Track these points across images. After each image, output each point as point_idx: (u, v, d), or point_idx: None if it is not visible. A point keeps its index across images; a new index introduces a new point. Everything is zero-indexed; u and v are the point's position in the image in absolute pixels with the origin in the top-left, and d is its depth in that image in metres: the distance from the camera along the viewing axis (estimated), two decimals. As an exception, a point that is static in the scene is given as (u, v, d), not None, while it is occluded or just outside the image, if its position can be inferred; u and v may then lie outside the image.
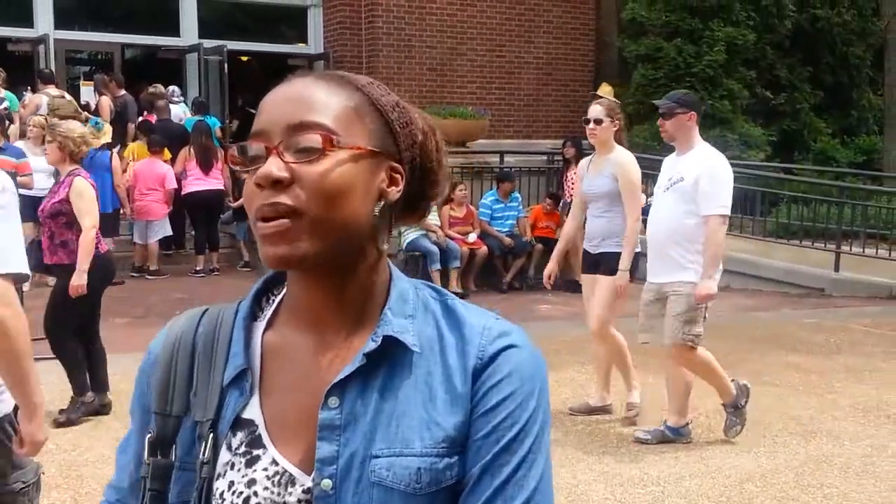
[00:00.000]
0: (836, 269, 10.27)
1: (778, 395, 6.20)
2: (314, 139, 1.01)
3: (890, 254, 10.81)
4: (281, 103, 1.05)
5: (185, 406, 1.11)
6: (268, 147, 1.02)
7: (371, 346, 1.06)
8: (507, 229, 10.77)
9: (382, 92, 1.10)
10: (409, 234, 10.32)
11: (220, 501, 1.06)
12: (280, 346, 1.12)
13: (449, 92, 14.67)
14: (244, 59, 15.86)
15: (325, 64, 14.71)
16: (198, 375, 1.12)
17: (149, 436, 1.12)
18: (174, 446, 1.11)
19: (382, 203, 1.07)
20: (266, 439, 1.07)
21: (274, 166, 1.00)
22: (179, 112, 12.26)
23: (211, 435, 1.08)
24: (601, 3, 16.31)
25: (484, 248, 10.48)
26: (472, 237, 10.48)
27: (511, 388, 1.05)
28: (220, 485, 1.06)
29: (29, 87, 11.99)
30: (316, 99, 1.04)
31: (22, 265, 2.38)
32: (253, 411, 1.08)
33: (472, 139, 13.01)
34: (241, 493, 1.05)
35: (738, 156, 13.67)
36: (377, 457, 1.03)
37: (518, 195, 11.12)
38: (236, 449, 1.07)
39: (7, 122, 9.50)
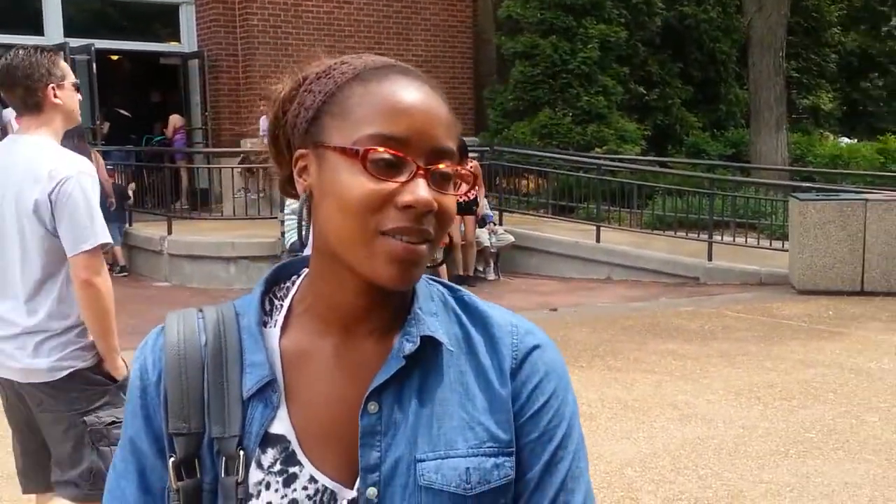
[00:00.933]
0: (710, 258, 10.62)
1: (656, 381, 6.36)
2: (450, 170, 0.99)
3: (759, 242, 11.26)
4: (422, 114, 0.98)
5: (201, 422, 1.03)
6: (419, 167, 0.97)
7: (409, 347, 1.03)
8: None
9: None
10: (293, 235, 10.15)
11: None
12: (301, 353, 1.06)
13: (328, 90, 14.52)
14: (114, 58, 15.34)
15: (200, 62, 14.36)
16: (209, 389, 1.03)
17: (172, 459, 1.02)
18: (197, 464, 1.03)
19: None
20: (301, 455, 1.02)
21: (426, 192, 0.96)
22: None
23: (242, 453, 1.01)
24: (478, 1, 16.45)
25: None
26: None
27: (552, 386, 1.07)
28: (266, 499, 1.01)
29: None
30: (447, 120, 1.01)
31: (107, 236, 2.87)
32: (282, 425, 1.03)
33: (352, 138, 12.90)
34: None
35: (613, 150, 14.04)
36: (422, 460, 1.01)
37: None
38: (269, 467, 1.01)
39: None
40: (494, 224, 11.51)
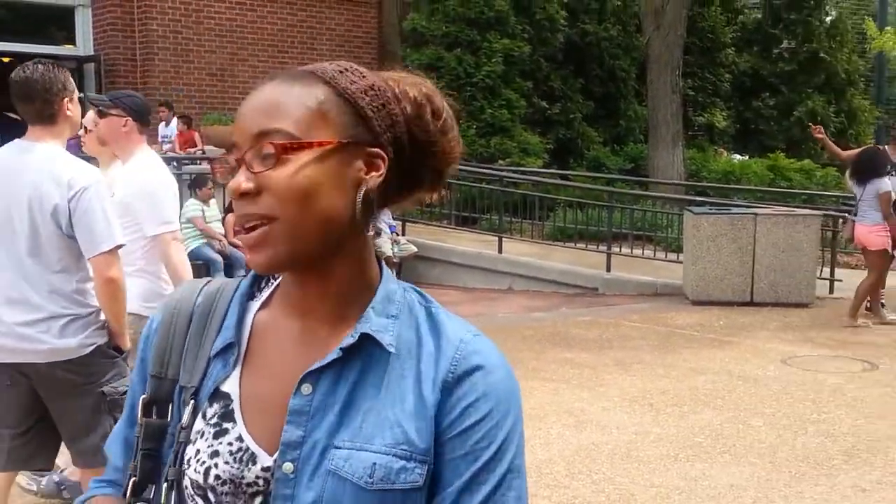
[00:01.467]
0: (608, 269, 10.84)
1: (553, 389, 6.45)
2: (270, 148, 1.03)
3: (655, 254, 11.55)
4: (248, 113, 1.06)
5: (177, 371, 1.16)
6: (237, 159, 1.05)
7: (348, 341, 1.08)
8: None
9: (354, 78, 1.09)
10: (191, 243, 9.97)
11: (186, 467, 1.10)
12: (269, 327, 1.15)
13: (231, 98, 14.34)
14: (5, 59, 14.82)
15: (96, 66, 14.01)
16: (189, 342, 1.16)
17: (143, 396, 1.17)
18: (170, 408, 1.15)
19: (363, 190, 1.07)
20: (237, 414, 1.10)
21: (241, 178, 1.04)
22: None
23: (192, 401, 1.12)
24: (383, 13, 16.49)
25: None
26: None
27: (487, 407, 1.07)
28: (189, 451, 1.10)
29: None
30: (278, 103, 1.05)
31: (122, 237, 3.29)
32: (231, 385, 1.12)
33: (254, 146, 12.77)
34: (204, 462, 1.09)
35: (516, 163, 14.22)
36: (339, 448, 1.06)
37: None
38: (210, 419, 1.11)
39: None
40: (397, 234, 11.51)
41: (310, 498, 1.05)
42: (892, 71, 24.04)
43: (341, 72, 1.09)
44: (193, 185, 10.27)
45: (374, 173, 1.08)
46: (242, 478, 1.07)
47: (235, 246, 10.02)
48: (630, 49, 17.48)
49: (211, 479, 1.08)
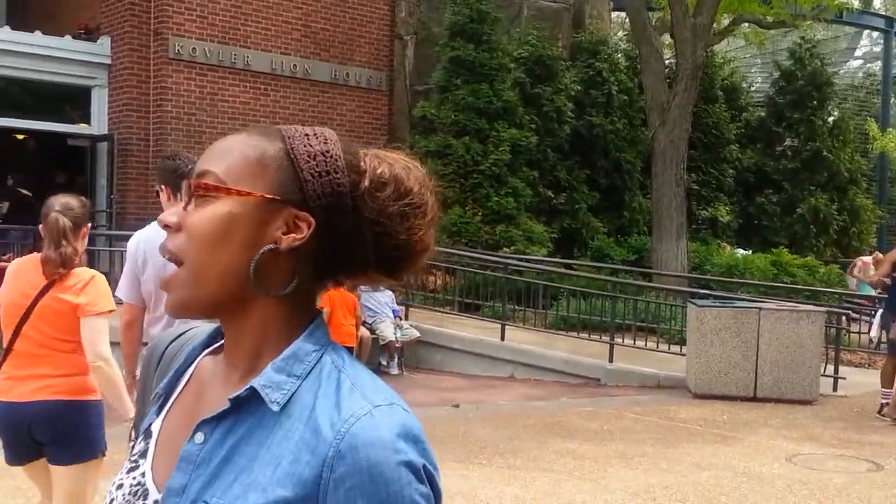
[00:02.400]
0: (611, 359, 10.80)
1: (554, 480, 6.37)
2: (195, 185, 1.06)
3: (658, 346, 11.51)
4: (205, 153, 1.10)
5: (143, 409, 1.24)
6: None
7: (238, 392, 1.06)
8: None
9: (312, 143, 1.09)
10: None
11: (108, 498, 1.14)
12: (204, 371, 1.16)
13: (240, 179, 14.51)
14: (20, 136, 15.07)
15: (109, 145, 14.21)
16: (153, 385, 1.21)
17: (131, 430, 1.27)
18: None
19: (266, 249, 1.05)
20: (150, 453, 1.13)
21: (172, 212, 1.07)
22: None
23: (134, 437, 1.20)
24: (393, 101, 16.79)
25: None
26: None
27: (365, 497, 0.99)
28: (116, 480, 1.14)
29: None
30: (225, 149, 1.08)
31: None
32: (156, 424, 1.15)
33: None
34: (112, 493, 1.12)
35: (521, 251, 14.29)
36: (207, 503, 1.03)
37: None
38: (132, 455, 1.15)
39: None
40: (400, 318, 11.52)
41: None
42: (894, 172, 24.29)
43: (306, 135, 1.09)
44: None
45: (292, 235, 1.06)
46: None
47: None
48: (636, 142, 17.72)
49: None
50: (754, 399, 9.62)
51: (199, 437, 1.06)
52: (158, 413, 1.16)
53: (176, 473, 1.06)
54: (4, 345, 3.69)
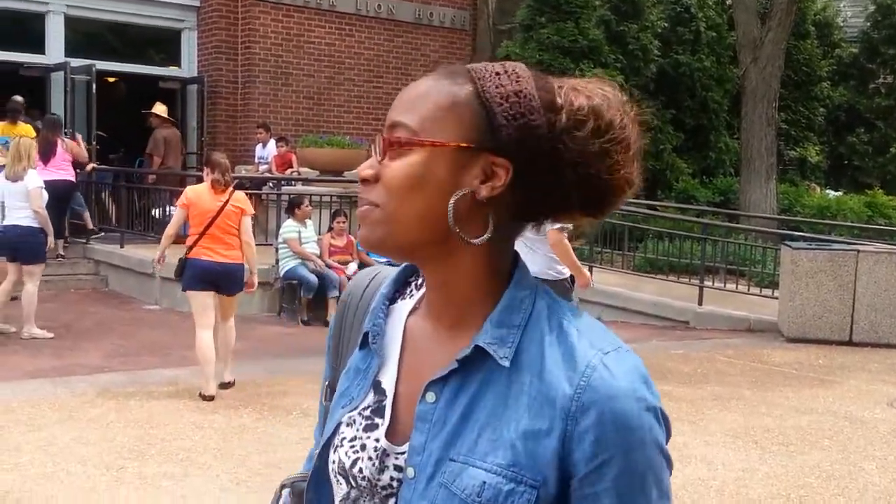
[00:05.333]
0: (700, 302, 10.70)
1: (653, 422, 6.39)
2: (389, 139, 1.05)
3: (748, 289, 11.36)
4: (396, 102, 1.08)
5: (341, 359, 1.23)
6: (375, 144, 1.08)
7: (462, 352, 1.06)
8: (385, 259, 10.73)
9: (503, 81, 1.05)
10: (287, 263, 10.18)
11: (339, 447, 1.13)
12: (414, 330, 1.15)
13: (325, 121, 14.63)
14: (111, 80, 15.38)
15: (199, 88, 14.43)
16: (353, 334, 1.21)
17: (325, 381, 1.25)
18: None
19: (462, 194, 1.03)
20: (387, 413, 1.12)
21: (366, 165, 1.07)
22: None
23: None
24: (477, 41, 16.65)
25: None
26: (352, 267, 10.40)
27: (612, 448, 0.99)
28: (346, 433, 1.13)
29: None
30: (417, 97, 1.06)
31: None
32: (388, 382, 1.13)
33: (349, 169, 12.97)
34: (356, 451, 1.11)
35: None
36: (453, 460, 1.03)
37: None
38: (363, 409, 1.13)
39: None
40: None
41: None
42: None
43: (497, 73, 1.05)
44: (291, 207, 10.48)
45: (489, 184, 1.03)
46: (378, 480, 1.08)
47: (330, 266, 10.19)
48: (723, 80, 17.30)
49: (355, 470, 1.10)
50: (850, 343, 9.46)
51: (431, 396, 1.06)
52: (368, 356, 1.15)
53: (415, 433, 1.06)
54: (198, 232, 6.49)
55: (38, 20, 13.76)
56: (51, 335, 8.41)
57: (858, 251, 9.73)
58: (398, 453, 1.08)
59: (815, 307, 9.59)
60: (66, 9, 13.77)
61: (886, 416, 6.75)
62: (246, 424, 5.90)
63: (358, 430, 1.11)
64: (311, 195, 10.90)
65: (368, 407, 1.12)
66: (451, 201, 1.02)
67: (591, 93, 1.06)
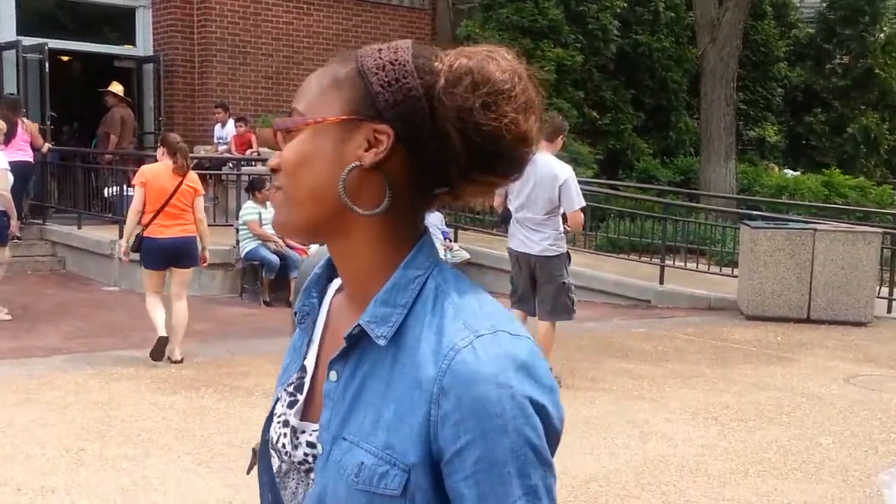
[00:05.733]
0: (661, 281, 10.79)
1: (614, 399, 6.45)
2: (282, 123, 1.10)
3: (709, 268, 11.47)
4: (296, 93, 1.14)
5: None
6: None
7: (350, 330, 1.07)
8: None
9: (381, 55, 1.07)
10: (248, 244, 10.09)
11: (271, 422, 1.17)
12: (335, 307, 1.18)
13: (285, 101, 14.46)
14: (65, 58, 15.08)
15: (155, 66, 14.20)
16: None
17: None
18: None
19: (352, 167, 1.05)
20: (305, 390, 1.15)
21: (274, 156, 1.11)
22: None
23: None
24: (437, 20, 16.57)
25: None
26: (314, 248, 10.32)
27: (470, 433, 0.97)
28: (277, 409, 1.17)
29: None
30: (304, 85, 1.12)
31: (582, 201, 6.66)
32: (310, 359, 1.16)
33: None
34: (281, 427, 1.14)
35: (568, 172, 14.19)
36: (345, 440, 1.05)
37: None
38: (288, 386, 1.17)
39: None
40: (450, 240, 11.56)
41: (321, 484, 1.06)
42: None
43: (378, 49, 1.08)
44: (251, 188, 10.38)
45: (374, 150, 1.04)
46: (294, 455, 1.11)
47: (291, 247, 10.12)
48: (682, 61, 17.40)
49: (280, 445, 1.13)
50: (808, 321, 9.59)
51: (333, 375, 1.08)
52: (303, 334, 1.18)
53: (323, 411, 1.08)
54: (154, 210, 6.73)
55: (-12, -3, 13.44)
56: (8, 317, 8.26)
57: (815, 230, 9.86)
58: (313, 430, 1.10)
59: (773, 285, 9.71)
60: (17, -14, 13.46)
61: (843, 392, 6.86)
62: (207, 405, 5.84)
63: (283, 406, 1.15)
64: (267, 176, 10.80)
65: (292, 384, 1.15)
66: (344, 173, 1.05)
67: (474, 53, 1.07)
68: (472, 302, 1.05)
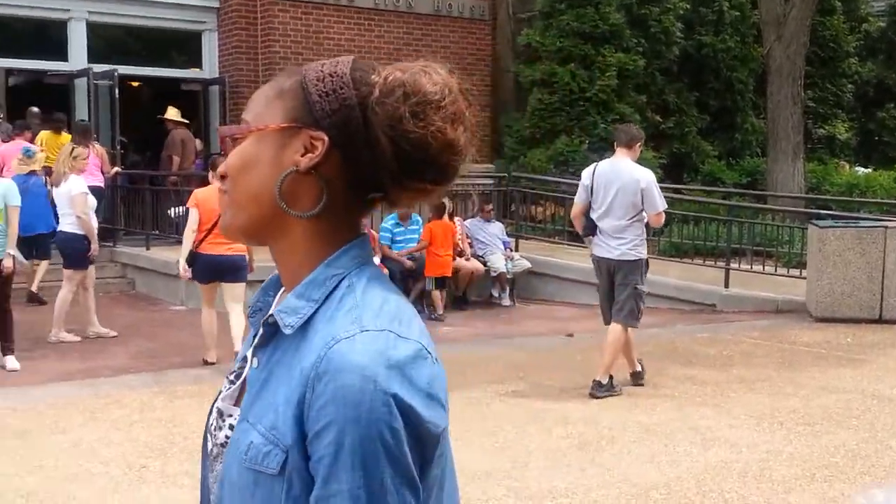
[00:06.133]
0: (726, 285, 10.60)
1: (676, 405, 6.35)
2: (227, 131, 1.18)
3: (776, 270, 11.23)
4: None
5: None
6: None
7: (267, 317, 1.14)
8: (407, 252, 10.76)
9: (322, 68, 1.15)
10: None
11: (212, 410, 1.22)
12: (278, 303, 1.22)
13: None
14: (135, 84, 15.51)
15: (221, 88, 14.51)
16: None
17: None
18: None
19: (288, 171, 1.11)
20: (242, 377, 1.19)
21: (223, 162, 1.18)
22: None
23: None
24: (497, 30, 16.60)
25: (385, 272, 10.37)
26: (374, 261, 10.40)
27: (328, 417, 1.01)
28: (218, 397, 1.22)
29: None
30: (253, 97, 1.19)
31: (664, 203, 6.89)
32: (251, 351, 1.20)
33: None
34: (214, 413, 1.20)
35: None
36: (246, 421, 1.11)
37: (419, 218, 11.14)
38: (229, 374, 1.22)
39: None
40: (511, 250, 11.55)
41: (225, 464, 1.12)
42: None
43: (322, 64, 1.15)
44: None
45: (309, 155, 1.11)
46: (217, 437, 1.17)
47: (389, 257, 10.31)
48: (747, 60, 17.11)
49: (212, 429, 1.19)
50: (880, 321, 9.33)
51: (255, 362, 1.15)
52: (252, 328, 1.23)
53: (245, 396, 1.14)
54: (205, 229, 7.05)
55: (60, 27, 13.89)
56: (77, 339, 8.51)
57: (887, 227, 9.58)
58: (237, 415, 1.15)
59: (843, 286, 9.46)
60: (87, 15, 13.89)
61: (916, 393, 6.65)
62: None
63: (223, 392, 1.20)
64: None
65: (233, 373, 1.21)
66: (281, 177, 1.11)
67: (408, 68, 1.13)
68: (373, 301, 1.09)
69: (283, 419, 1.05)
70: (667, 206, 6.92)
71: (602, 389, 6.55)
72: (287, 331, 1.09)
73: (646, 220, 6.74)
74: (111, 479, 4.77)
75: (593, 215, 6.81)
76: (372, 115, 1.11)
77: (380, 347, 1.03)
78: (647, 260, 6.94)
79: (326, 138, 1.11)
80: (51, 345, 8.31)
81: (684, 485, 4.79)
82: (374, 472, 1.00)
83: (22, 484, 4.65)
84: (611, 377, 6.63)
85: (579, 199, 6.98)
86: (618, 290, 6.73)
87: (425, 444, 1.05)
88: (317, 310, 1.10)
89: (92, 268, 8.76)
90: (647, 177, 6.64)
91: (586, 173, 6.96)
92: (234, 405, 1.17)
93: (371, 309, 1.07)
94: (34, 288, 10.20)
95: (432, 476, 1.08)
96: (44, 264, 10.09)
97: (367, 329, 1.04)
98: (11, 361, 7.29)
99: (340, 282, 1.11)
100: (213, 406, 1.22)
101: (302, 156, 1.11)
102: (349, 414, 1.00)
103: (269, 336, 1.13)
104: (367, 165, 1.13)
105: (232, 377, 1.21)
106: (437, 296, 10.32)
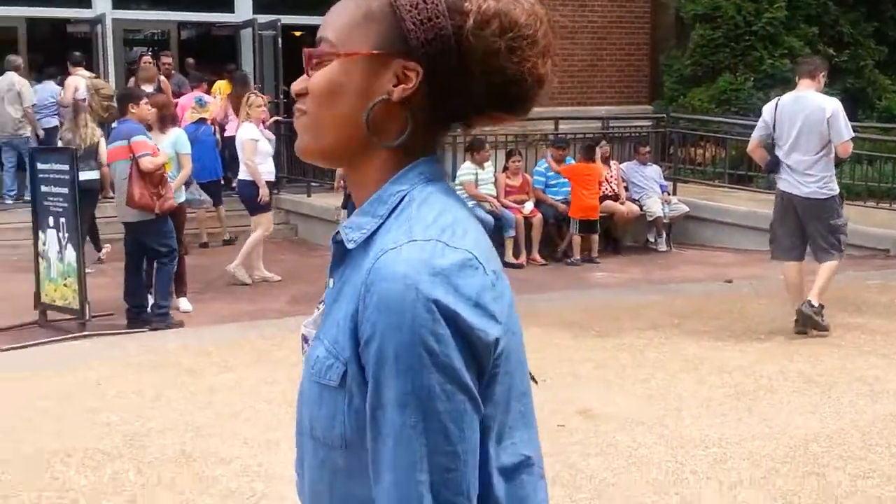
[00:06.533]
0: (902, 228, 9.99)
1: (843, 355, 6.08)
2: (313, 53, 1.14)
3: (960, 212, 10.48)
4: (323, 19, 1.18)
5: None
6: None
7: (334, 235, 1.16)
8: (561, 197, 10.65)
9: None
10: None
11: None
12: None
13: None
14: (297, 33, 15.88)
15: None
16: None
17: None
18: None
19: (378, 100, 1.10)
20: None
21: (299, 80, 1.16)
22: None
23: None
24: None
25: (539, 217, 10.35)
26: (528, 206, 10.37)
27: (372, 326, 1.02)
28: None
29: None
30: (337, 12, 1.15)
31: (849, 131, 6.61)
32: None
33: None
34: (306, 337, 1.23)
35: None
36: (318, 338, 1.14)
37: (571, 159, 11.00)
38: (320, 303, 1.23)
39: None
40: (668, 194, 11.26)
41: (302, 378, 1.16)
42: None
43: None
44: (470, 148, 10.51)
45: (402, 85, 1.09)
46: (308, 354, 1.18)
47: (506, 206, 10.22)
48: (932, -14, 15.82)
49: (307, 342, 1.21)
50: None
51: (330, 282, 1.17)
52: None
53: (324, 315, 1.17)
54: None
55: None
56: (249, 281, 8.85)
57: None
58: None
59: None
60: (252, -33, 14.28)
61: None
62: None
63: (317, 312, 1.23)
64: (486, 135, 10.91)
65: (321, 301, 1.22)
66: (370, 106, 1.09)
67: None
68: (428, 213, 1.08)
69: (343, 333, 1.07)
70: (853, 135, 6.79)
71: (816, 310, 6.39)
72: (350, 245, 1.11)
73: (833, 155, 6.48)
74: (273, 416, 5.01)
75: (779, 152, 6.65)
76: (467, 46, 1.09)
77: (425, 257, 1.03)
78: (839, 195, 6.70)
79: (420, 69, 1.09)
80: (220, 287, 8.72)
81: (848, 437, 4.59)
82: (420, 378, 1.00)
83: (192, 419, 4.95)
84: (821, 306, 6.45)
85: (756, 135, 6.94)
86: (813, 230, 6.53)
87: (478, 351, 1.04)
88: (380, 225, 1.10)
89: (269, 214, 9.07)
90: (833, 104, 6.46)
91: (768, 108, 6.85)
92: None
93: (424, 221, 1.07)
94: (206, 237, 10.77)
95: (497, 392, 1.07)
96: (220, 210, 10.65)
97: (415, 239, 1.04)
98: (184, 303, 7.74)
99: (404, 198, 1.11)
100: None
101: (394, 86, 1.10)
102: (391, 321, 1.00)
103: (340, 255, 1.15)
104: (455, 96, 1.12)
105: (321, 305, 1.23)
106: (577, 241, 10.18)
